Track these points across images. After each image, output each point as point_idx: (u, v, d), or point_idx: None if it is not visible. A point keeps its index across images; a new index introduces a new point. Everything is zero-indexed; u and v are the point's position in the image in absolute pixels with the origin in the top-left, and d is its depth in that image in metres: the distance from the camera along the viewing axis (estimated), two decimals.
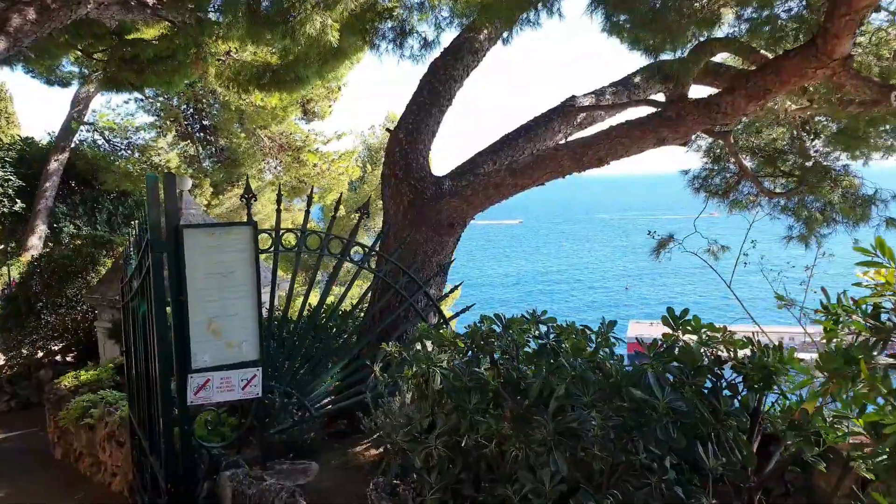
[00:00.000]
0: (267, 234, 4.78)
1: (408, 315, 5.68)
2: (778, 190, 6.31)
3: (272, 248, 4.80)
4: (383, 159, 6.57)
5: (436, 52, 7.56)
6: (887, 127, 5.91)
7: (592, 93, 7.51)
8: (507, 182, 5.80)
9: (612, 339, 3.10)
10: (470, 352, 3.10)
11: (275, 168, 21.17)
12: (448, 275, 6.37)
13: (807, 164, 5.98)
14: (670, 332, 2.82)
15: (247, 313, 4.47)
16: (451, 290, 5.53)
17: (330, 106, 21.64)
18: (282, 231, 4.84)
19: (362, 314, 6.23)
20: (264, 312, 4.71)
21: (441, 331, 3.51)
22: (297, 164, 19.66)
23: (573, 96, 7.40)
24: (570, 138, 6.98)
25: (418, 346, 3.21)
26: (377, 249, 5.41)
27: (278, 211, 4.93)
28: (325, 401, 5.19)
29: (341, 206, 5.83)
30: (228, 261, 4.41)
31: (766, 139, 6.35)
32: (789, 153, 6.10)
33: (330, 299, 5.63)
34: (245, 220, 4.53)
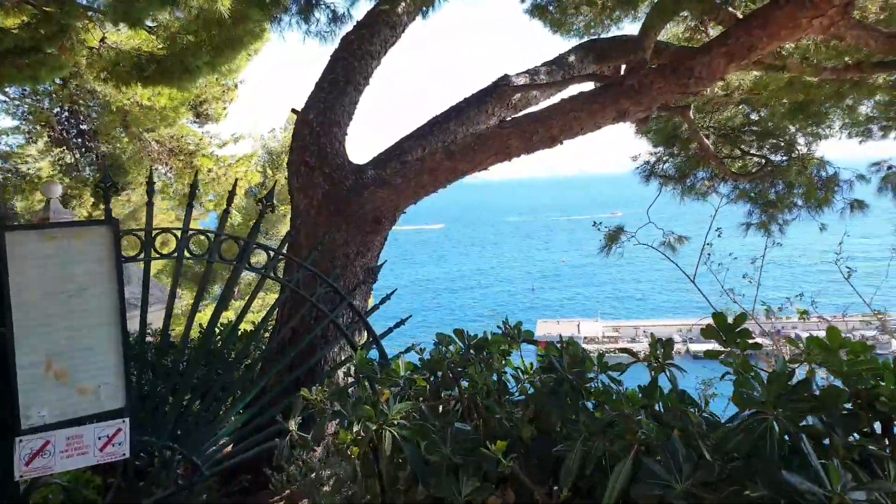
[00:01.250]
0: (135, 237, 3.57)
1: (327, 335, 4.59)
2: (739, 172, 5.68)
3: (142, 255, 3.58)
4: (290, 145, 5.43)
5: (347, 29, 6.56)
6: (850, 102, 5.43)
7: (526, 72, 6.72)
8: (445, 167, 4.83)
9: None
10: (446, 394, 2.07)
11: (165, 175, 19.23)
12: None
13: (768, 143, 5.38)
14: (719, 346, 1.93)
15: (107, 345, 3.28)
16: (384, 300, 4.48)
17: (225, 108, 19.95)
18: (155, 231, 3.63)
19: (269, 335, 5.07)
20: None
21: (386, 365, 2.47)
22: (190, 169, 17.89)
23: (506, 75, 6.59)
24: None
25: (358, 393, 2.15)
26: (285, 252, 4.27)
27: (149, 205, 3.71)
28: (225, 449, 4.01)
29: (238, 214, 4.67)
30: (79, 274, 3.21)
31: (723, 118, 5.72)
32: (749, 132, 5.49)
33: (230, 315, 4.44)
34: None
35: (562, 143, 4.78)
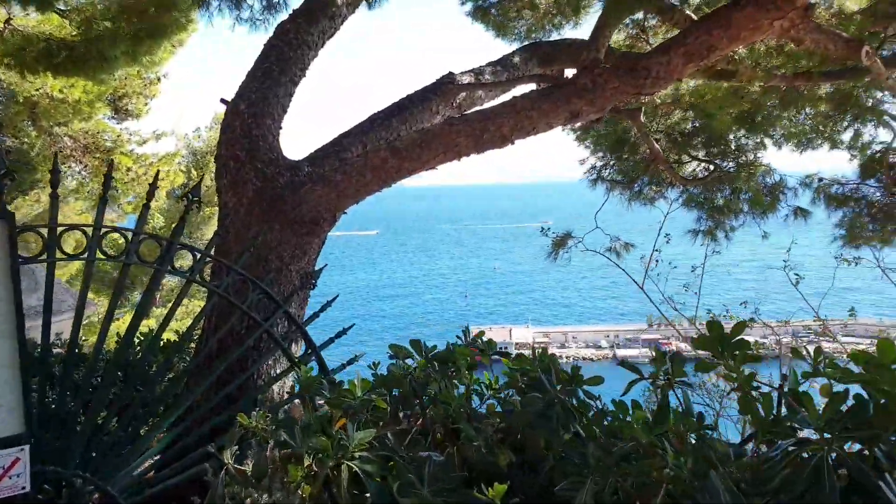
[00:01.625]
0: (37, 234, 3.10)
1: (260, 346, 4.18)
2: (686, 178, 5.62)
3: (44, 256, 3.10)
4: (219, 138, 4.99)
5: (282, 17, 6.21)
6: (792, 113, 5.46)
7: (471, 71, 6.53)
8: (390, 164, 4.52)
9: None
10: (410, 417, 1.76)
11: (79, 173, 18.02)
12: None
13: (716, 149, 5.35)
14: (710, 358, 1.72)
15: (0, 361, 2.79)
16: (324, 308, 4.11)
17: (147, 104, 18.87)
18: (61, 228, 3.17)
19: (195, 347, 4.62)
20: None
21: (332, 381, 2.15)
22: (106, 167, 16.78)
23: (451, 73, 6.37)
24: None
25: (306, 418, 1.82)
26: (212, 255, 3.85)
27: (53, 196, 3.23)
28: (146, 476, 3.55)
29: (160, 216, 4.20)
30: None
31: (671, 122, 5.67)
32: (697, 138, 5.44)
33: (151, 324, 3.97)
34: None
35: (513, 142, 4.56)
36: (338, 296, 4.39)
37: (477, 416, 1.93)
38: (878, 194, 7.10)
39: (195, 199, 3.55)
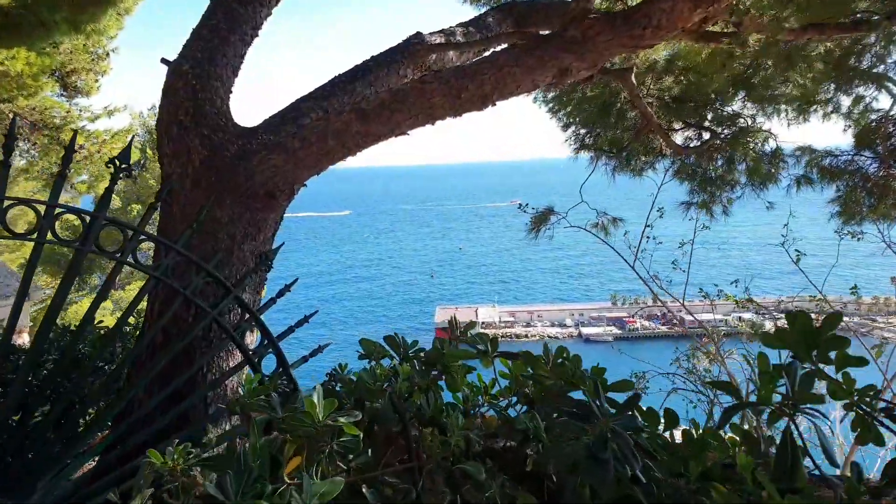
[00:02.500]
0: None
1: (209, 336, 3.67)
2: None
3: None
4: (160, 102, 4.41)
5: None
6: (805, 75, 5.05)
7: (441, 31, 6.04)
8: (355, 129, 4.00)
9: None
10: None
11: (27, 151, 17.03)
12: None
13: (712, 114, 4.93)
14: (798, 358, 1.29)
15: None
16: (283, 292, 3.60)
17: (97, 80, 17.89)
18: (8, 202, 2.61)
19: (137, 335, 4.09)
20: None
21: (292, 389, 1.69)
22: (57, 145, 15.88)
23: (419, 33, 5.85)
24: None
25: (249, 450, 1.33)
26: (148, 233, 3.30)
27: (3, 166, 2.65)
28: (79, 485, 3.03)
29: (115, 197, 3.62)
30: None
31: (663, 87, 5.23)
32: (691, 103, 5.01)
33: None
34: None
35: (494, 103, 4.08)
36: (297, 279, 3.89)
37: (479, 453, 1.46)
38: (873, 167, 6.77)
39: (122, 164, 3.00)
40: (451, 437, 1.45)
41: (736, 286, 7.87)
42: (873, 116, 6.61)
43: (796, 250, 6.63)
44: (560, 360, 1.67)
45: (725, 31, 5.12)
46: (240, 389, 3.20)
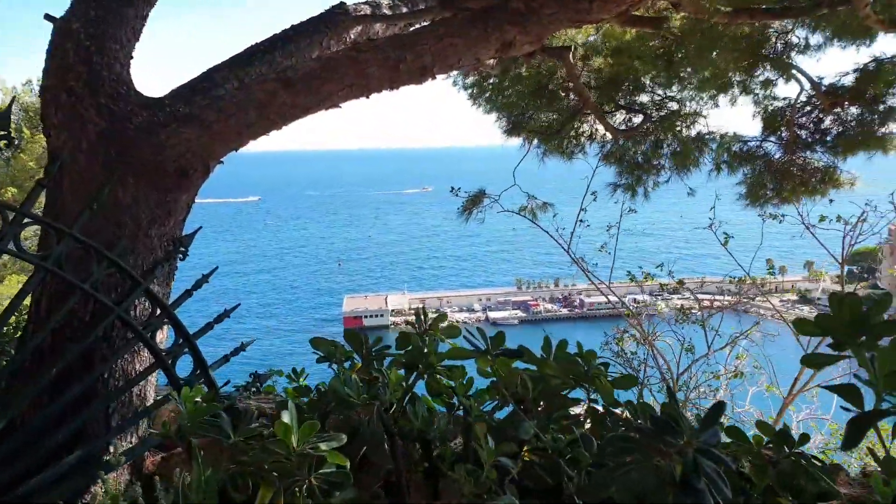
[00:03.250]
0: None
1: (111, 337, 3.15)
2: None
3: None
4: (45, 65, 3.78)
5: None
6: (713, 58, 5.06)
7: (366, 2, 5.64)
8: (280, 100, 3.58)
9: None
10: None
11: None
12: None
13: (645, 96, 4.87)
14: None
15: None
16: (200, 283, 3.15)
17: None
18: None
19: (20, 338, 3.50)
20: None
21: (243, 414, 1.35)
22: None
23: (343, 2, 5.42)
24: None
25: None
26: (35, 214, 2.76)
27: None
28: None
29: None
30: None
31: (594, 66, 5.11)
32: (624, 85, 4.93)
33: None
34: None
35: (434, 76, 3.77)
36: (217, 268, 3.44)
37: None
38: (778, 153, 7.03)
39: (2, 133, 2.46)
40: (483, 471, 1.16)
41: (661, 269, 8.06)
42: (780, 104, 6.85)
43: (724, 233, 6.83)
44: (568, 356, 1.40)
45: (651, 15, 5.05)
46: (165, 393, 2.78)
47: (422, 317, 1.93)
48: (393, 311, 78.63)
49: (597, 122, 5.48)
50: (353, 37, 5.44)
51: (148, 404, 3.30)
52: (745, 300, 9.52)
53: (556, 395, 1.48)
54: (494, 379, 1.63)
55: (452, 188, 6.10)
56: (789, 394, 6.49)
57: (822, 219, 7.17)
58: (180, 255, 3.47)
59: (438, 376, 1.58)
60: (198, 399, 1.53)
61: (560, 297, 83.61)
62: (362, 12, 5.39)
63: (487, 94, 7.57)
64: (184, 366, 3.17)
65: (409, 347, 1.65)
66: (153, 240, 3.54)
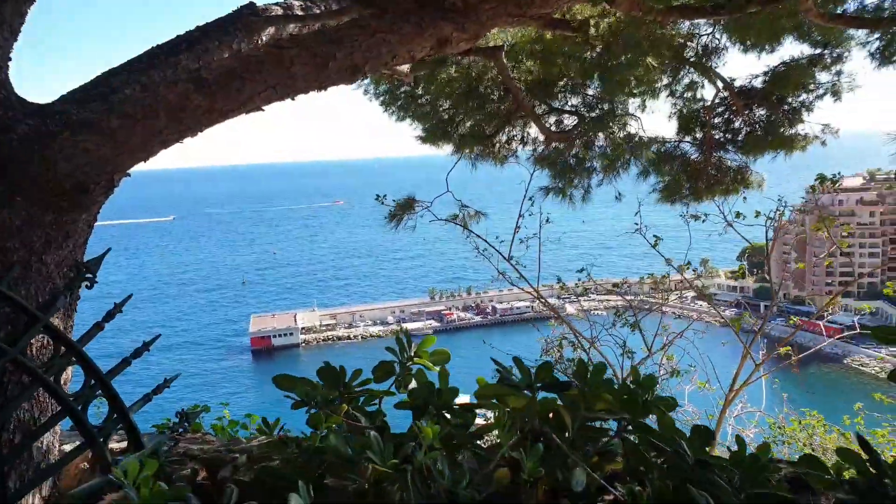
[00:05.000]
0: None
1: (4, 385, 2.68)
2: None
3: None
4: None
5: None
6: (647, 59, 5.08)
7: (277, 3, 5.31)
8: (194, 103, 3.22)
9: None
10: None
11: None
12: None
13: (577, 98, 4.82)
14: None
15: None
16: (110, 315, 2.72)
17: None
18: None
19: None
20: None
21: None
22: None
23: (251, 3, 5.06)
24: None
25: None
26: None
27: None
28: None
29: None
30: None
31: (523, 69, 5.02)
32: (557, 86, 4.86)
33: None
34: None
35: (366, 75, 3.54)
36: (131, 295, 3.02)
37: None
38: (695, 154, 7.24)
39: None
40: None
41: (584, 272, 8.18)
42: (695, 105, 7.05)
43: (654, 235, 6.96)
44: (610, 383, 1.19)
45: (568, 19, 5.02)
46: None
47: (404, 341, 1.66)
48: (303, 328, 76.69)
49: (528, 125, 5.39)
50: (264, 39, 5.10)
51: (53, 459, 2.82)
52: (663, 300, 9.81)
53: (590, 429, 1.27)
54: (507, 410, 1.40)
55: (378, 196, 5.87)
56: (730, 390, 6.65)
57: (739, 215, 7.45)
58: (86, 283, 3.01)
59: (456, 418, 1.32)
60: (149, 477, 1.18)
61: (473, 305, 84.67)
62: (274, 13, 5.05)
63: (400, 102, 7.37)
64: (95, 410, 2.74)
65: (414, 386, 1.39)
66: (49, 266, 3.07)
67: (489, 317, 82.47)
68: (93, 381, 2.58)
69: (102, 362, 2.68)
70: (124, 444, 2.92)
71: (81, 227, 3.30)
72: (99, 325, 2.80)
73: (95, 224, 3.65)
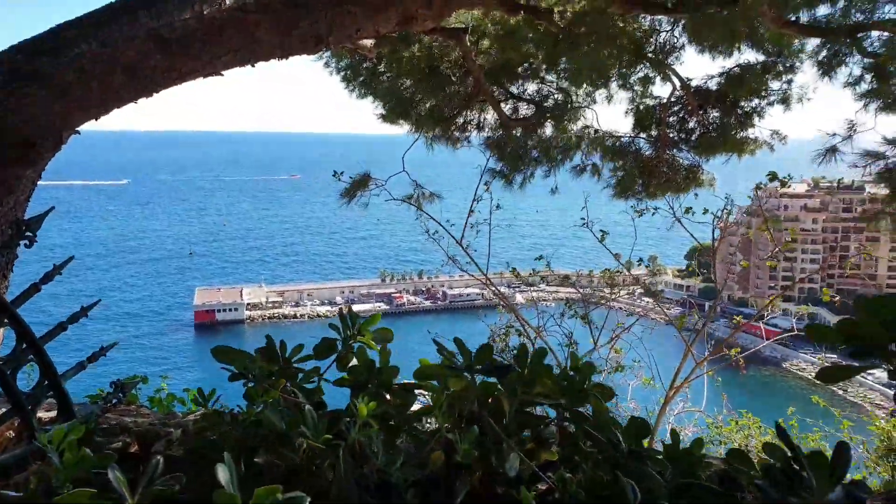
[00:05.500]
0: None
1: None
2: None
3: None
4: None
5: None
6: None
7: None
8: (154, 63, 3.15)
9: None
10: None
11: None
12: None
13: (535, 85, 4.90)
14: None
15: None
16: (47, 278, 2.65)
17: None
18: None
19: None
20: None
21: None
22: None
23: None
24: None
25: None
26: None
27: None
28: None
29: None
30: None
31: (485, 50, 5.06)
32: (520, 72, 4.92)
33: None
34: None
35: (329, 46, 3.51)
36: (72, 257, 2.95)
37: None
38: (649, 150, 7.41)
39: None
40: None
41: (542, 259, 8.30)
42: (651, 102, 7.21)
43: (601, 230, 7.11)
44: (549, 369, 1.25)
45: (533, 4, 5.07)
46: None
47: (347, 319, 1.68)
48: (249, 304, 75.48)
49: (485, 111, 5.44)
50: (228, 2, 4.99)
51: None
52: (610, 294, 10.03)
53: (528, 415, 1.32)
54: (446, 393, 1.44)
55: (335, 172, 5.84)
56: (671, 387, 6.86)
57: (688, 210, 7.66)
58: (25, 242, 2.92)
59: (398, 398, 1.35)
60: (74, 442, 1.16)
61: (423, 289, 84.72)
62: None
63: (362, 78, 7.31)
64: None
65: (354, 363, 1.42)
66: None
67: (439, 302, 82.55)
68: (24, 345, 2.52)
69: (36, 329, 2.61)
70: (54, 414, 2.85)
71: (25, 183, 3.20)
72: (35, 286, 2.72)
73: (39, 183, 3.54)
